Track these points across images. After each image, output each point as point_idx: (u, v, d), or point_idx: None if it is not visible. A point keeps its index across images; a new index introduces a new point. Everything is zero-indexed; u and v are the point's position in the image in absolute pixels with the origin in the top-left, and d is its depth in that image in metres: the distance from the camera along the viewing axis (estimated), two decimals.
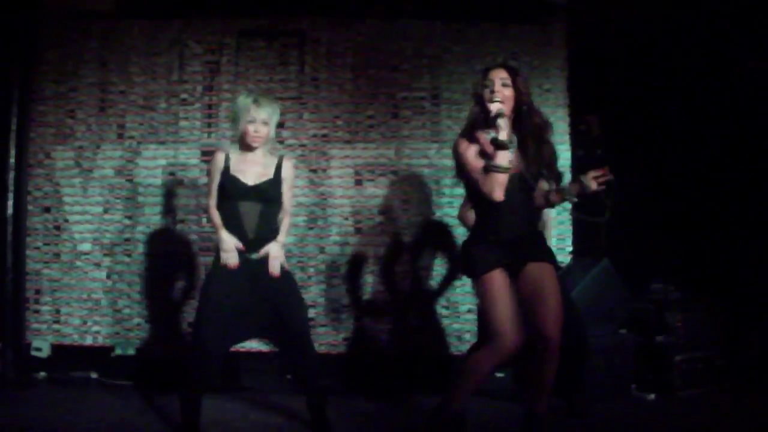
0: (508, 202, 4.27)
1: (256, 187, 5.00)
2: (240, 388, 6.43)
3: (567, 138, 7.02)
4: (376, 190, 7.00)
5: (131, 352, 6.87)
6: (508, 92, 4.33)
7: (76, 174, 7.04)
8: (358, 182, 6.98)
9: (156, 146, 7.00)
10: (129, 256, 6.97)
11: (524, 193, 4.45)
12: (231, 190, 4.98)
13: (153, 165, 6.99)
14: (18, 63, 6.90)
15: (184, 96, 7.07)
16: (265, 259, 5.00)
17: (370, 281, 6.93)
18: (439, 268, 6.92)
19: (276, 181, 5.08)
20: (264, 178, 5.05)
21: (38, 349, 6.86)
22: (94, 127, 7.07)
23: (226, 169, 5.00)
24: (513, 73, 4.41)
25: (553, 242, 6.81)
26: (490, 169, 4.17)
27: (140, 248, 6.96)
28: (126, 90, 7.09)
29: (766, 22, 6.60)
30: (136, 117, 7.07)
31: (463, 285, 6.80)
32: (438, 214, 6.94)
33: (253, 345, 6.48)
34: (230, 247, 4.90)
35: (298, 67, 7.09)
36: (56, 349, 6.93)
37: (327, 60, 7.07)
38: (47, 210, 7.04)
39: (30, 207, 7.03)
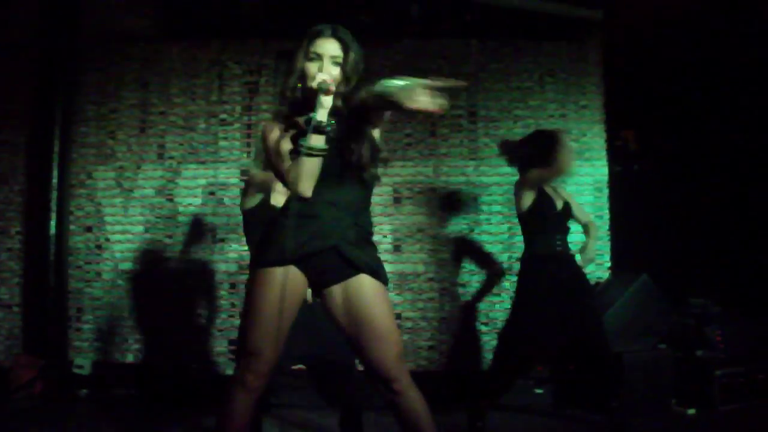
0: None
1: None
2: (276, 405, 6.46)
3: (604, 154, 7.05)
4: (415, 208, 7.02)
5: (170, 369, 6.93)
6: (337, 72, 3.39)
7: (117, 194, 7.13)
8: (397, 200, 7.02)
9: (196, 166, 7.07)
10: (169, 274, 7.02)
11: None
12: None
13: (193, 185, 7.06)
14: (60, 85, 7.02)
15: (223, 116, 7.15)
16: None
17: (409, 298, 6.96)
18: (477, 284, 6.94)
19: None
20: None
21: (80, 367, 6.91)
22: (135, 147, 7.17)
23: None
24: (345, 49, 3.46)
25: None
26: (298, 151, 3.21)
27: (181, 267, 7.01)
28: (166, 111, 7.19)
29: None
30: (176, 137, 7.16)
31: (502, 302, 6.83)
32: (476, 230, 6.97)
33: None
34: None
35: None
36: (98, 366, 6.98)
37: (364, 79, 7.09)
38: (89, 229, 7.12)
39: (72, 227, 7.13)
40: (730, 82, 7.15)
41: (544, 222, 5.28)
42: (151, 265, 7.05)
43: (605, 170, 7.03)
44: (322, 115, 3.17)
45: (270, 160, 3.39)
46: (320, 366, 5.04)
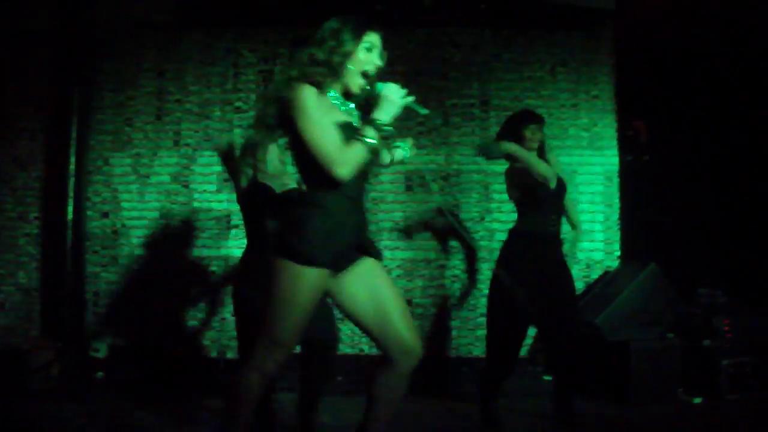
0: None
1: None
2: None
3: (615, 143, 7.09)
4: (426, 196, 7.10)
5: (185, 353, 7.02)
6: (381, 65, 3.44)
7: (134, 180, 7.23)
8: (409, 188, 7.09)
9: (211, 153, 7.10)
10: (184, 260, 7.11)
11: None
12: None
13: (208, 172, 7.14)
14: (77, 73, 7.12)
15: (238, 104, 7.23)
16: None
17: (420, 285, 7.03)
18: (487, 272, 6.99)
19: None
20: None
21: (96, 350, 7.00)
22: (151, 134, 7.26)
23: None
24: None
25: (600, 246, 6.92)
26: (355, 137, 3.21)
27: (195, 252, 7.12)
28: (182, 99, 7.27)
29: None
30: (192, 125, 7.25)
31: None
32: (487, 218, 7.03)
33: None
34: None
35: None
36: (114, 349, 7.08)
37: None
38: (106, 215, 7.23)
39: (89, 212, 7.24)
40: (742, 72, 7.14)
41: (539, 200, 5.25)
42: (166, 250, 7.15)
43: (616, 160, 7.08)
44: (386, 114, 3.23)
45: (306, 127, 3.19)
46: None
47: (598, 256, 7.00)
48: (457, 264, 7.04)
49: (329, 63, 3.29)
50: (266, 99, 3.41)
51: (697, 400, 5.99)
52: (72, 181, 7.00)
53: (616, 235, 7.02)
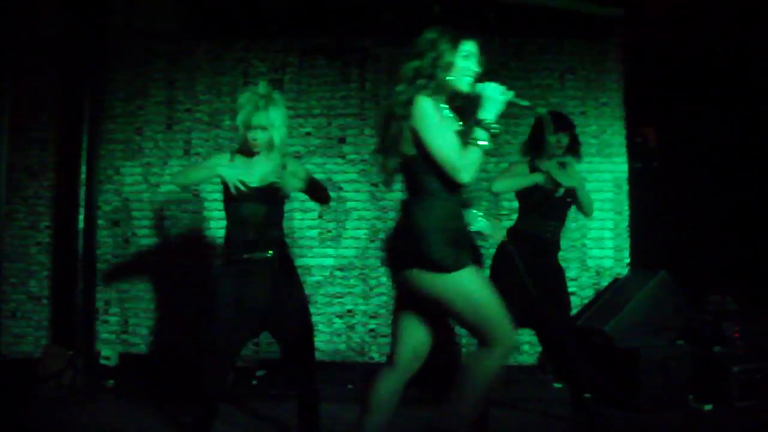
0: None
1: (259, 188, 4.66)
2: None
3: (624, 150, 7.09)
4: None
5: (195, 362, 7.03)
6: None
7: (144, 189, 7.28)
8: None
9: None
10: (194, 269, 7.14)
11: None
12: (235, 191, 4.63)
13: (218, 180, 7.12)
14: (88, 83, 7.13)
15: None
16: (273, 259, 4.67)
17: None
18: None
19: (275, 184, 4.70)
20: (269, 180, 4.68)
21: (107, 358, 7.05)
22: (162, 143, 7.31)
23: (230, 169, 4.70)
24: None
25: (610, 254, 6.92)
26: (470, 141, 3.37)
27: (206, 262, 7.13)
28: (192, 108, 7.31)
29: None
30: (202, 134, 7.29)
31: None
32: (499, 226, 7.03)
33: (316, 356, 6.65)
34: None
35: (359, 84, 7.25)
36: (124, 357, 7.13)
37: (387, 76, 7.17)
38: (116, 224, 7.27)
39: (100, 221, 7.28)
40: (751, 78, 7.15)
41: (540, 204, 5.28)
42: (176, 259, 7.17)
43: (625, 167, 7.08)
44: (491, 113, 3.40)
45: (430, 137, 3.34)
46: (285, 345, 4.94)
47: (608, 263, 7.01)
48: None
49: (433, 74, 3.45)
50: (386, 121, 3.54)
51: (708, 407, 5.96)
52: (83, 190, 7.01)
53: (625, 243, 7.01)
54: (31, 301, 7.22)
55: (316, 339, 6.67)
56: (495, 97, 3.42)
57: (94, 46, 7.13)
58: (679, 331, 6.31)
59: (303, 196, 6.76)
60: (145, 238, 7.22)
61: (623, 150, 7.10)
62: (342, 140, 7.12)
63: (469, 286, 3.39)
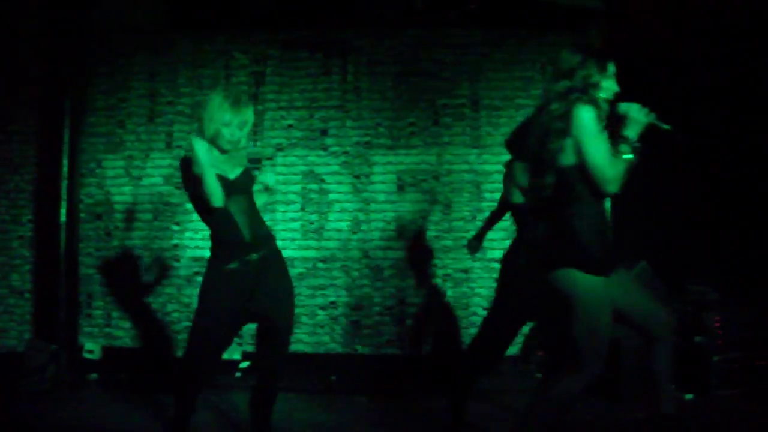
0: None
1: (241, 179, 4.54)
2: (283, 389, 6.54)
3: None
4: (418, 196, 7.13)
5: (179, 354, 7.05)
6: None
7: (126, 182, 7.27)
8: (401, 188, 7.12)
9: None
10: (178, 261, 7.16)
11: None
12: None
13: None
14: (70, 76, 7.09)
15: None
16: (265, 258, 4.57)
17: (412, 284, 7.06)
18: (479, 271, 7.04)
19: (248, 171, 4.64)
20: (238, 171, 4.55)
21: (90, 352, 7.05)
22: (144, 136, 7.29)
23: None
24: None
25: None
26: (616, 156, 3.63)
27: (188, 253, 7.15)
28: (174, 101, 7.30)
29: None
30: (184, 127, 7.26)
31: None
32: (479, 218, 7.05)
33: (300, 347, 6.70)
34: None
35: (340, 77, 7.24)
36: (107, 351, 7.14)
37: (369, 69, 7.21)
38: (99, 217, 7.26)
39: (82, 214, 7.27)
40: (731, 71, 7.18)
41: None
42: (159, 252, 7.19)
43: None
44: (633, 132, 3.65)
45: (589, 147, 3.54)
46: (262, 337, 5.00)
47: None
48: (449, 263, 7.07)
49: (585, 91, 3.65)
50: (541, 141, 3.72)
51: (689, 396, 6.01)
52: (65, 183, 6.97)
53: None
54: (13, 295, 7.21)
55: (299, 331, 6.78)
56: (639, 118, 3.64)
57: (76, 39, 7.09)
58: None
59: (285, 189, 6.89)
60: (127, 231, 7.21)
61: None
62: (324, 132, 7.13)
63: (601, 302, 3.66)
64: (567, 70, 3.67)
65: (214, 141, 4.43)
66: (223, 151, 4.49)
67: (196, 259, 7.10)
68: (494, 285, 6.84)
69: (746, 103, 6.93)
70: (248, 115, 4.52)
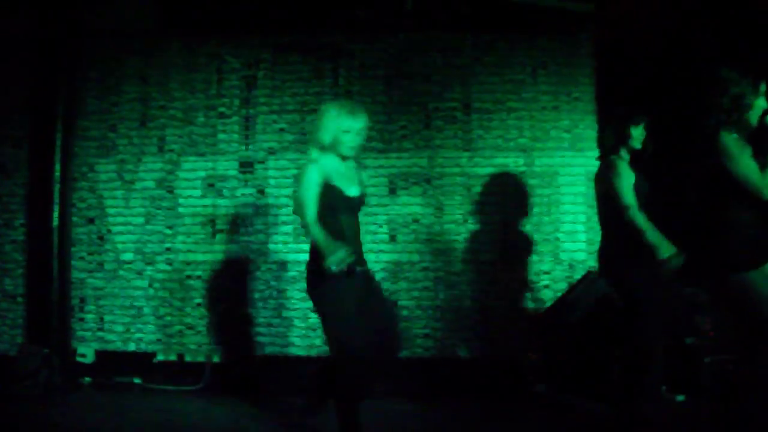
0: None
1: (358, 198, 4.81)
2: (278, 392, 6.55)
3: (596, 145, 7.12)
4: (410, 199, 7.13)
5: (173, 357, 7.07)
6: None
7: (119, 186, 7.25)
8: (392, 191, 7.12)
9: (195, 158, 7.19)
10: (170, 265, 7.16)
11: None
12: (337, 202, 4.66)
13: (192, 177, 7.17)
14: (62, 80, 7.11)
15: (222, 109, 7.25)
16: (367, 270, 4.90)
17: (404, 287, 7.06)
18: (471, 274, 7.05)
19: (364, 195, 4.91)
20: (359, 188, 4.84)
21: (83, 356, 7.05)
22: (136, 140, 7.28)
23: (328, 179, 4.63)
24: None
25: (583, 247, 6.97)
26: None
27: (181, 257, 7.15)
28: (166, 104, 7.28)
29: None
30: (176, 130, 7.26)
31: (496, 290, 6.96)
32: (470, 221, 7.07)
33: (292, 351, 6.72)
34: (345, 254, 4.36)
35: (332, 80, 7.23)
36: (100, 355, 7.13)
37: (360, 72, 7.21)
38: (91, 221, 7.25)
39: (74, 218, 7.25)
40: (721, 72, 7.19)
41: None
42: (151, 255, 7.18)
43: (597, 162, 7.12)
44: None
45: (737, 169, 4.32)
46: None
47: (581, 256, 7.04)
48: (440, 266, 7.07)
49: (731, 110, 4.38)
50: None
51: (680, 398, 6.04)
52: (57, 187, 7.01)
53: (598, 236, 7.03)
54: (6, 299, 7.20)
55: (291, 334, 6.80)
56: None
57: (67, 43, 7.12)
58: None
59: (277, 192, 6.89)
60: (119, 234, 7.20)
61: (595, 144, 7.11)
62: None
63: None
64: (723, 89, 4.38)
65: (333, 148, 4.67)
66: (344, 158, 4.72)
67: (188, 263, 7.11)
68: (486, 287, 6.91)
69: None
70: (365, 122, 4.73)
